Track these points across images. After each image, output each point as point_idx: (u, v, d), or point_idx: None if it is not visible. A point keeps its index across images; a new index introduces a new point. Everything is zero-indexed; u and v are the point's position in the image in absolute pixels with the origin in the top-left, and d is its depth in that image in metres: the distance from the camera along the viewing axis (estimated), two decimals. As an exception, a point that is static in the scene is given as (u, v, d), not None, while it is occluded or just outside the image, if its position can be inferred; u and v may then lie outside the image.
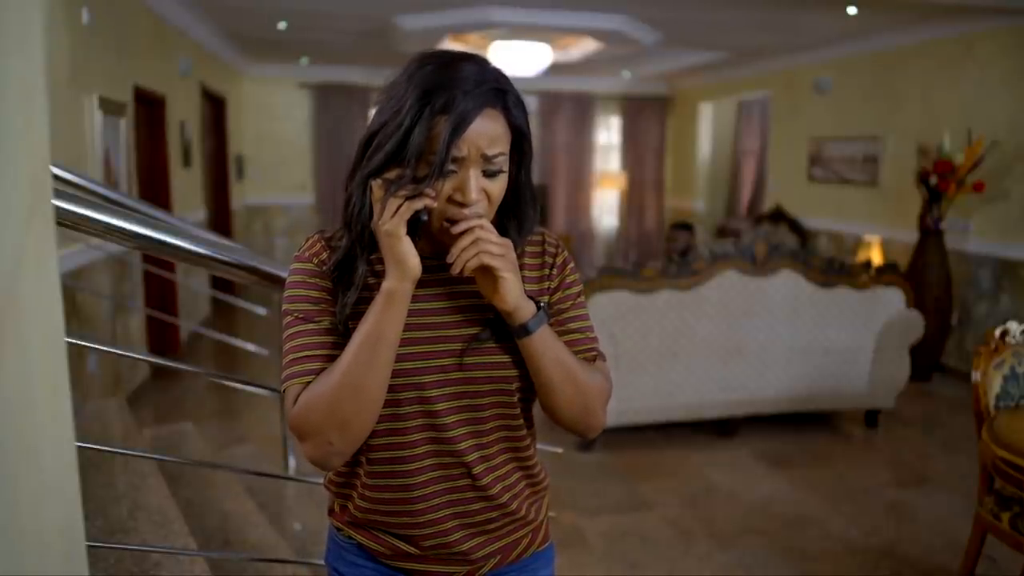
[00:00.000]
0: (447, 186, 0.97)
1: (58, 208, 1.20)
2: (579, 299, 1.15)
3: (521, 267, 1.08)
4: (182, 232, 1.48)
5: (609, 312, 3.74)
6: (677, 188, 9.71)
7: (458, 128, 0.94)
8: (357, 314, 1.02)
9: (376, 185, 0.96)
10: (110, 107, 4.12)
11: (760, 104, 8.60)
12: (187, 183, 5.93)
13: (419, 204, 0.95)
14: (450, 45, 6.53)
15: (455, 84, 0.95)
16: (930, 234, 5.13)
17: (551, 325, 1.08)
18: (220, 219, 7.24)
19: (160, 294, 5.14)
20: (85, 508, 0.72)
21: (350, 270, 1.04)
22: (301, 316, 1.04)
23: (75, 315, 3.58)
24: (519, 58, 6.45)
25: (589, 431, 1.14)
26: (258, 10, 5.54)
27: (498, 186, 1.01)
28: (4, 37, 0.49)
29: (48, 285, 0.57)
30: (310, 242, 1.08)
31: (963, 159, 4.94)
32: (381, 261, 1.00)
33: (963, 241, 5.28)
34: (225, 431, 4.16)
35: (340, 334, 1.03)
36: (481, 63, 1.00)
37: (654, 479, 3.66)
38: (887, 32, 5.77)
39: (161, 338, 5.22)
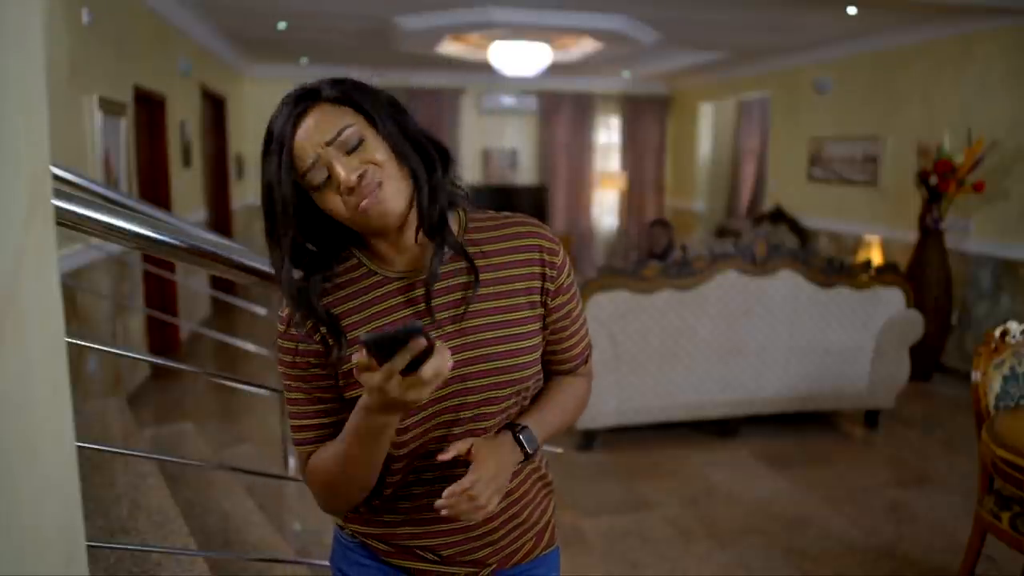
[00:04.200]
0: (329, 187, 0.95)
1: (58, 208, 1.20)
2: (577, 296, 1.13)
3: (507, 263, 1.06)
4: (182, 232, 1.47)
5: (609, 312, 3.74)
6: (677, 188, 9.70)
7: (285, 157, 0.94)
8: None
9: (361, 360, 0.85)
10: (110, 107, 4.12)
11: (760, 104, 8.60)
12: (187, 183, 5.93)
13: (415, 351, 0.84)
14: (450, 45, 6.53)
15: (275, 121, 0.96)
16: (930, 234, 5.12)
17: (551, 319, 1.09)
18: (220, 219, 7.23)
19: (160, 294, 5.14)
20: (85, 508, 0.72)
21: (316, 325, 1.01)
22: (290, 383, 1.05)
23: (75, 315, 3.58)
24: (519, 58, 6.44)
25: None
26: (258, 10, 5.54)
27: (372, 152, 0.95)
28: (4, 37, 0.49)
29: (48, 285, 0.57)
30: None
31: (963, 159, 4.94)
32: (327, 292, 1.02)
33: (963, 241, 5.28)
34: (225, 431, 4.15)
35: (333, 391, 1.03)
36: (301, 86, 0.98)
37: (654, 479, 3.66)
38: (887, 32, 5.77)
39: (161, 338, 5.22)
